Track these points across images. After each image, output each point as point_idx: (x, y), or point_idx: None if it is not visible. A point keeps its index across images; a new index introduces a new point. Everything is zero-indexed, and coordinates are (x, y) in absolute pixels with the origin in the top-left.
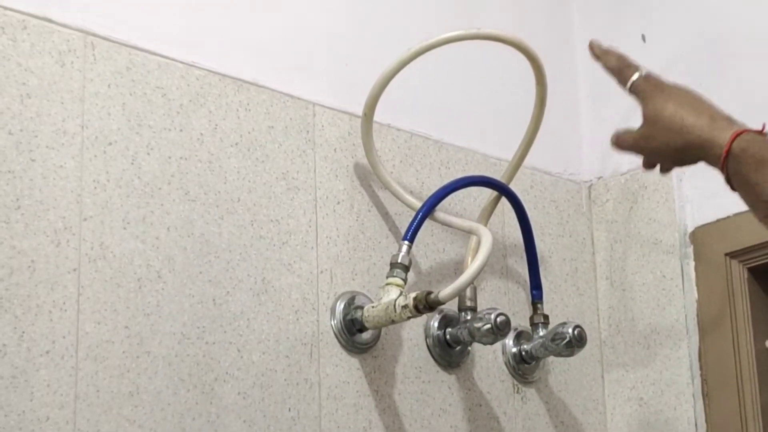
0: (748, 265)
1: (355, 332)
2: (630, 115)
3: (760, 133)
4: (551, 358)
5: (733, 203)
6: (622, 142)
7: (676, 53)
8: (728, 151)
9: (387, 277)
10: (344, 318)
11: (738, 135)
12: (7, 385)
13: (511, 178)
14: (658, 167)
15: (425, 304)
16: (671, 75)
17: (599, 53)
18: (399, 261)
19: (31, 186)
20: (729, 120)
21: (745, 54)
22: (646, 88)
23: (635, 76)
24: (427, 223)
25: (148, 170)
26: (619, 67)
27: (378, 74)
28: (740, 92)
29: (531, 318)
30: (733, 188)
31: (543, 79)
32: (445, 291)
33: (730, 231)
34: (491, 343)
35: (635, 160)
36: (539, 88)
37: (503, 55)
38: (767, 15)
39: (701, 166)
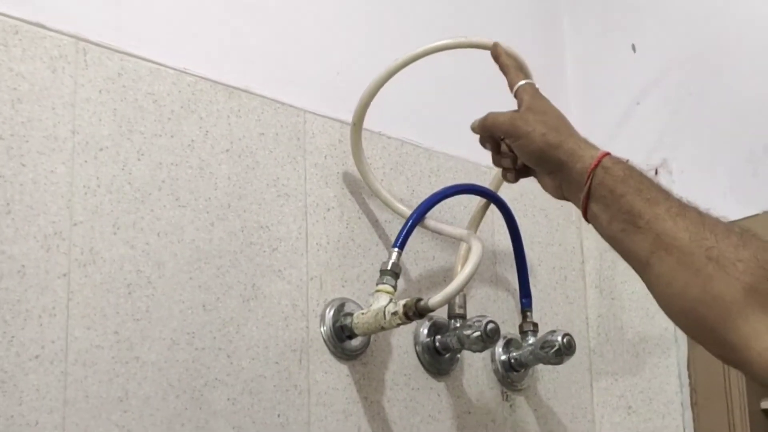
0: None
1: (344, 339)
2: (620, 125)
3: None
4: (540, 366)
5: (724, 212)
6: (494, 118)
7: (666, 63)
8: (599, 162)
9: (377, 284)
10: (334, 325)
11: (607, 153)
12: None
13: (499, 185)
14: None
15: (415, 311)
16: (662, 84)
17: (499, 53)
18: (389, 268)
19: (22, 191)
20: (595, 145)
21: (736, 64)
22: (534, 92)
23: (530, 81)
24: (417, 230)
25: (138, 176)
26: (518, 66)
27: (369, 82)
28: (731, 102)
29: (520, 326)
30: (585, 211)
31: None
32: (434, 298)
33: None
34: (480, 351)
35: None
36: None
37: (493, 64)
38: (758, 25)
39: (692, 176)
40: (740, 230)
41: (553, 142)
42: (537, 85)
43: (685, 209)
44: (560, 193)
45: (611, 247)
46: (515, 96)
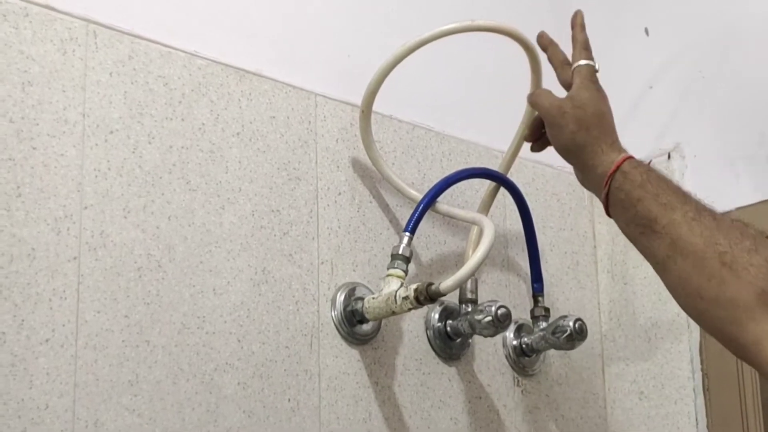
0: None
1: (355, 323)
2: (633, 110)
3: (648, 163)
4: (552, 351)
5: (737, 197)
6: (539, 97)
7: (679, 46)
8: (618, 167)
9: (388, 269)
10: (344, 309)
11: (629, 158)
12: (6, 373)
13: (508, 168)
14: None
15: (426, 296)
16: (675, 68)
17: (578, 22)
18: (400, 252)
19: (32, 174)
20: (622, 148)
21: (749, 47)
22: (592, 77)
23: (592, 62)
24: (429, 214)
25: (149, 159)
26: (584, 45)
27: (377, 68)
28: (744, 85)
29: (532, 311)
30: (606, 209)
31: (538, 67)
32: (446, 282)
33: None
34: (492, 336)
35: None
36: (534, 76)
37: (505, 47)
38: None
39: (705, 160)
40: (755, 233)
41: (580, 143)
42: (597, 67)
43: (700, 214)
44: (585, 186)
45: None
46: (572, 73)
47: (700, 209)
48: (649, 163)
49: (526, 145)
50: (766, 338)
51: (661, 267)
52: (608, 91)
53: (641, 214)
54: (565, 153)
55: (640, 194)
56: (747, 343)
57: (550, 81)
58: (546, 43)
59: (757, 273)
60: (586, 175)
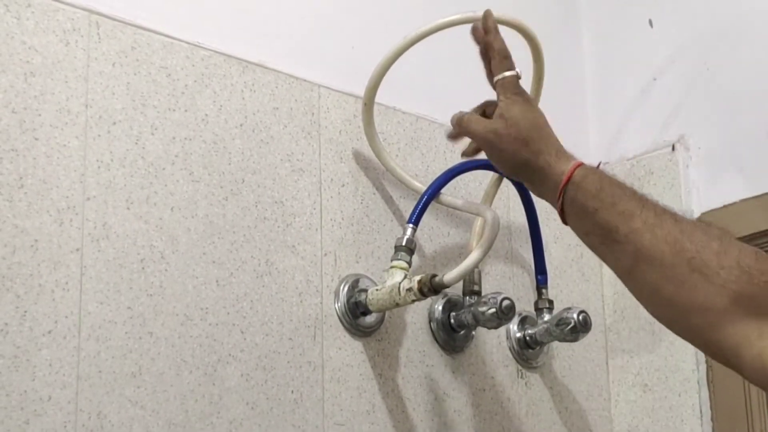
0: None
1: (358, 315)
2: (637, 102)
3: (597, 167)
4: (555, 344)
5: (740, 189)
6: (469, 124)
7: (684, 38)
8: (569, 178)
9: (391, 261)
10: (348, 301)
11: (579, 165)
12: (8, 365)
13: None
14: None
15: (429, 288)
16: (680, 60)
17: (491, 27)
18: (403, 244)
19: (35, 165)
20: (569, 154)
21: (754, 39)
22: (517, 89)
23: (513, 72)
24: (432, 206)
25: (152, 150)
26: (503, 54)
27: (379, 60)
28: (749, 77)
29: (535, 303)
30: (564, 219)
31: (540, 57)
32: (449, 274)
33: (736, 217)
34: (495, 328)
35: (642, 144)
36: (536, 66)
37: (510, 39)
38: None
39: (709, 153)
40: (719, 233)
41: (524, 159)
42: (519, 75)
43: (661, 218)
44: (541, 197)
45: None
46: (494, 88)
47: (660, 213)
48: (599, 165)
49: None
50: (745, 344)
51: (626, 276)
52: (612, 83)
53: (600, 224)
54: (512, 173)
55: (596, 204)
56: (726, 348)
57: (552, 70)
58: (491, 25)
59: (728, 276)
60: (538, 189)
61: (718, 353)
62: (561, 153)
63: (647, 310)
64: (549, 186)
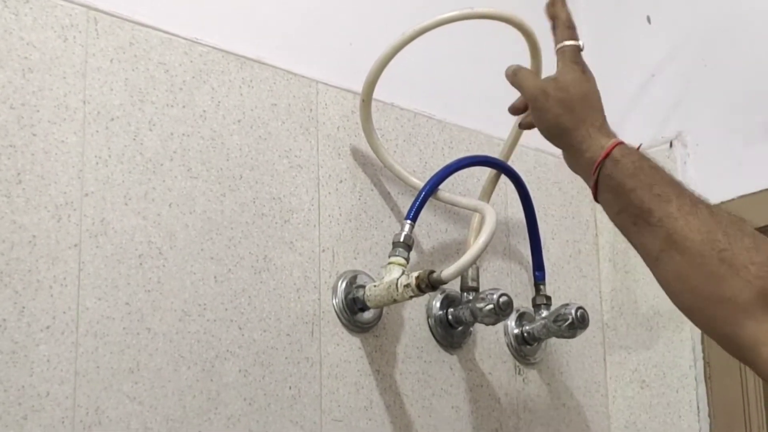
0: None
1: (356, 311)
2: (635, 98)
3: (637, 149)
4: (553, 340)
5: (739, 185)
6: (523, 78)
7: (682, 35)
8: (608, 153)
9: (389, 257)
10: (346, 297)
11: (620, 143)
12: (6, 360)
13: (509, 156)
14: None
15: (427, 284)
16: (677, 56)
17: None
18: (401, 240)
19: (33, 161)
20: (612, 131)
21: (751, 35)
22: (576, 59)
23: (576, 42)
24: (430, 202)
25: (150, 146)
26: (567, 24)
27: (377, 56)
28: (746, 73)
29: (533, 299)
30: (595, 195)
31: (537, 53)
32: (447, 270)
33: (735, 213)
34: (493, 324)
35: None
36: (534, 62)
37: (505, 34)
38: None
39: (707, 149)
40: (752, 231)
41: (565, 126)
42: (582, 46)
43: (696, 207)
44: (573, 169)
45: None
46: (556, 54)
47: (696, 202)
48: (639, 147)
49: (527, 133)
50: (764, 340)
51: (653, 260)
52: (610, 79)
53: (634, 204)
54: (551, 136)
55: (633, 184)
56: (745, 343)
57: (550, 67)
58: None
59: (758, 272)
60: (574, 159)
61: (735, 347)
62: (603, 128)
63: (669, 296)
64: (585, 158)
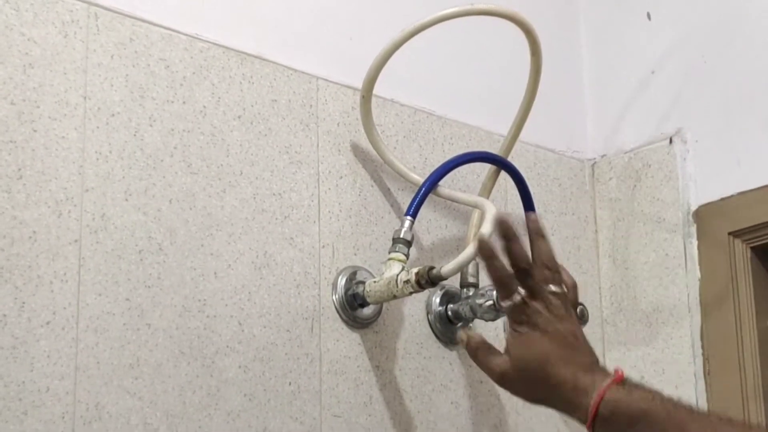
0: (752, 245)
1: (356, 307)
2: (635, 95)
3: (622, 383)
4: None
5: (737, 182)
6: (478, 359)
7: (682, 31)
8: (595, 415)
9: (389, 252)
10: (346, 293)
11: (602, 398)
12: (7, 356)
13: (508, 151)
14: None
15: (427, 279)
16: (677, 53)
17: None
18: (401, 236)
19: (33, 156)
20: (593, 376)
21: (751, 33)
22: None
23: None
24: (430, 198)
25: (150, 142)
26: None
27: (377, 53)
28: (746, 71)
29: None
30: None
31: (537, 49)
32: (447, 266)
33: (733, 210)
34: (493, 320)
35: (640, 137)
36: (534, 58)
37: (504, 30)
38: None
39: (707, 145)
40: (743, 422)
41: (540, 398)
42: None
43: (715, 424)
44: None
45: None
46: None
47: (715, 421)
48: (620, 376)
49: (527, 129)
50: None
51: None
52: (610, 76)
53: None
54: (536, 405)
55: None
56: None
57: (550, 63)
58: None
59: None
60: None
61: None
62: (579, 382)
63: None
64: (577, 418)
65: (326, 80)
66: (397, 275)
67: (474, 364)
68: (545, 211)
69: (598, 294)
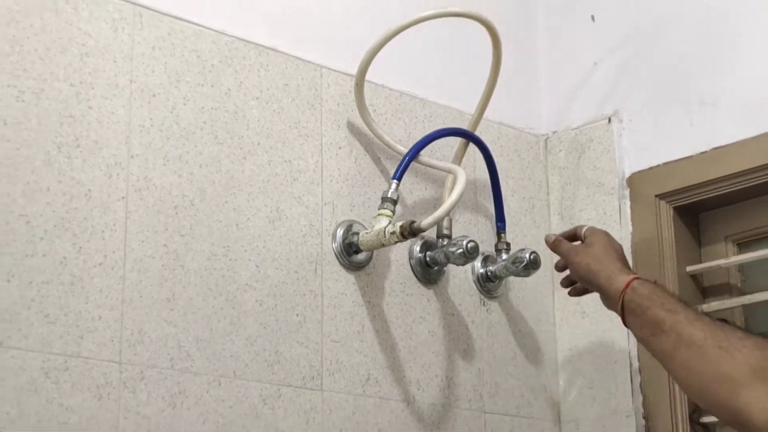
0: (674, 205)
1: (352, 253)
2: (582, 82)
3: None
4: (512, 278)
5: (663, 154)
6: (559, 243)
7: (620, 32)
8: (628, 284)
9: (379, 209)
10: (343, 242)
11: (636, 278)
12: (67, 291)
13: (475, 127)
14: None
15: (409, 231)
16: (616, 48)
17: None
18: (389, 196)
19: (89, 129)
20: (629, 270)
21: (676, 32)
22: (593, 230)
23: (586, 227)
24: (412, 166)
25: (184, 118)
26: (571, 234)
27: (369, 47)
28: (671, 63)
29: (496, 245)
30: (623, 318)
31: (498, 44)
32: (426, 220)
33: (659, 177)
34: (463, 265)
35: (584, 117)
36: (495, 51)
37: (476, 30)
38: None
39: (639, 124)
40: (741, 328)
41: (594, 270)
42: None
43: (699, 315)
44: (606, 305)
45: (644, 348)
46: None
47: (698, 313)
48: (655, 282)
49: (492, 107)
50: (756, 401)
51: (668, 359)
52: (562, 67)
53: (650, 318)
54: (583, 280)
55: (648, 303)
56: (740, 408)
57: (512, 55)
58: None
59: (749, 353)
60: (604, 295)
61: (733, 413)
62: (623, 269)
63: (681, 384)
64: (612, 291)
65: (328, 68)
66: (385, 228)
67: (446, 301)
68: (506, 176)
69: None
